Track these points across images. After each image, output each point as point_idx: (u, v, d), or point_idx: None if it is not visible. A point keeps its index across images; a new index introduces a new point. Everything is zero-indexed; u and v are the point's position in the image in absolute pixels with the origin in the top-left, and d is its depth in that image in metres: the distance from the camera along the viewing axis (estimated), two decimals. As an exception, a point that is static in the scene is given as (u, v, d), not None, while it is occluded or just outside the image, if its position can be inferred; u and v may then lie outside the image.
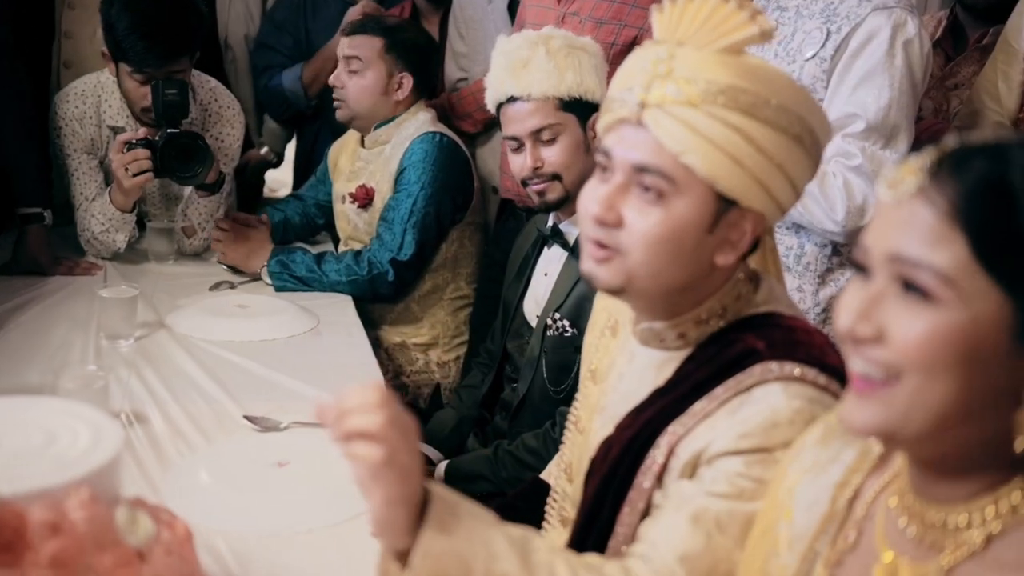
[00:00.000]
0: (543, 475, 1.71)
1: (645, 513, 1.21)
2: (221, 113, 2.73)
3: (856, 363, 0.82)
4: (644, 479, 1.20)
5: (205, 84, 2.74)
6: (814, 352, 1.18)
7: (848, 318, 0.81)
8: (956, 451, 0.82)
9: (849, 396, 0.84)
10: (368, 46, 2.61)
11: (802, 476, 1.01)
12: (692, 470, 1.17)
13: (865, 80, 1.91)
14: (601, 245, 1.18)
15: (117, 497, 1.07)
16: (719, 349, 1.21)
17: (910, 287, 0.78)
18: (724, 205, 1.16)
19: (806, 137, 1.16)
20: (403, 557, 1.02)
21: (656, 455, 1.19)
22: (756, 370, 1.16)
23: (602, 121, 1.22)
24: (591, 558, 1.15)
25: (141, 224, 2.71)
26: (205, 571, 1.19)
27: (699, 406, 1.18)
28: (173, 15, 2.41)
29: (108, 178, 2.67)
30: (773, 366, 1.16)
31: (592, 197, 1.20)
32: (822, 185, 1.92)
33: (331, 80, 2.66)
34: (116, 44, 2.41)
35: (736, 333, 1.22)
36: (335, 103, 2.68)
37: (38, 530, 0.95)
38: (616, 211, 1.16)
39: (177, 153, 2.44)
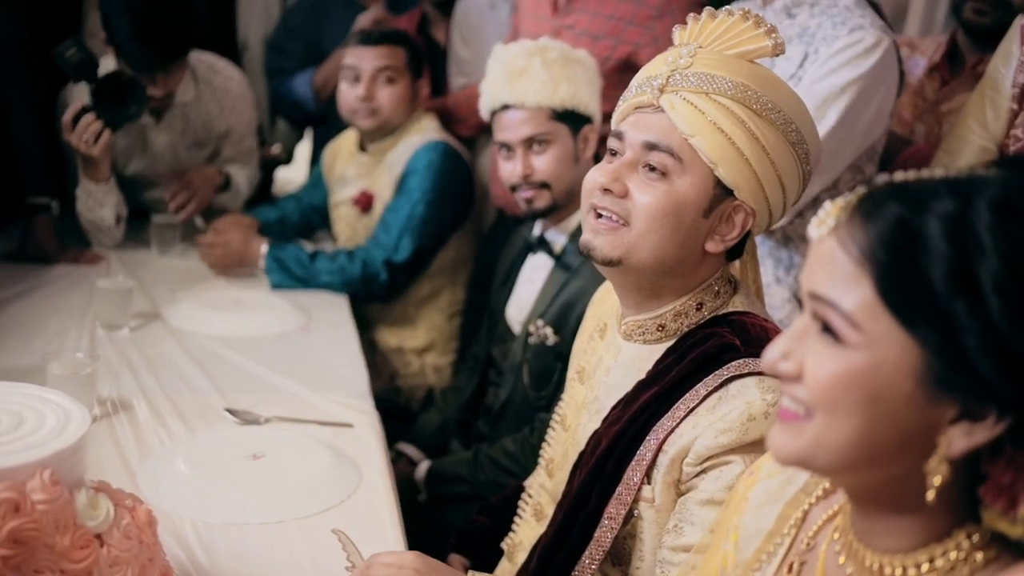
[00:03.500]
0: (527, 482, 1.74)
1: (631, 507, 1.28)
2: (230, 89, 2.80)
3: (782, 397, 0.84)
4: (633, 474, 1.28)
5: (204, 63, 2.78)
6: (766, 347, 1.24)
7: (773, 354, 0.82)
8: (877, 494, 0.82)
9: (774, 424, 0.85)
10: (398, 56, 2.64)
11: (756, 507, 1.02)
12: (679, 466, 1.25)
13: (813, 82, 1.89)
14: (603, 216, 1.30)
15: (80, 481, 1.11)
16: (697, 343, 1.29)
17: (826, 326, 0.78)
18: (721, 192, 1.27)
19: (800, 147, 1.28)
20: None
21: (645, 451, 1.27)
22: (733, 365, 1.24)
23: (619, 111, 1.33)
24: None
25: (147, 215, 2.76)
26: (167, 556, 1.22)
27: (682, 403, 1.25)
28: (172, 22, 2.45)
29: (115, 167, 2.73)
30: (748, 361, 1.23)
31: (599, 172, 1.32)
32: None
33: (359, 92, 2.61)
34: (117, 47, 2.46)
35: (712, 328, 1.30)
36: (362, 114, 2.64)
37: (-1, 508, 0.99)
38: (622, 182, 1.29)
39: (111, 99, 2.40)
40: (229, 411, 1.80)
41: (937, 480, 0.75)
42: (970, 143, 2.03)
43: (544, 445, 1.57)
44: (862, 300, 0.75)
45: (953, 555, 0.79)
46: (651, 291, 1.33)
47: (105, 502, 1.10)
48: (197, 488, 1.52)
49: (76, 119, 2.39)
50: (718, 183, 1.26)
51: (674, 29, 1.32)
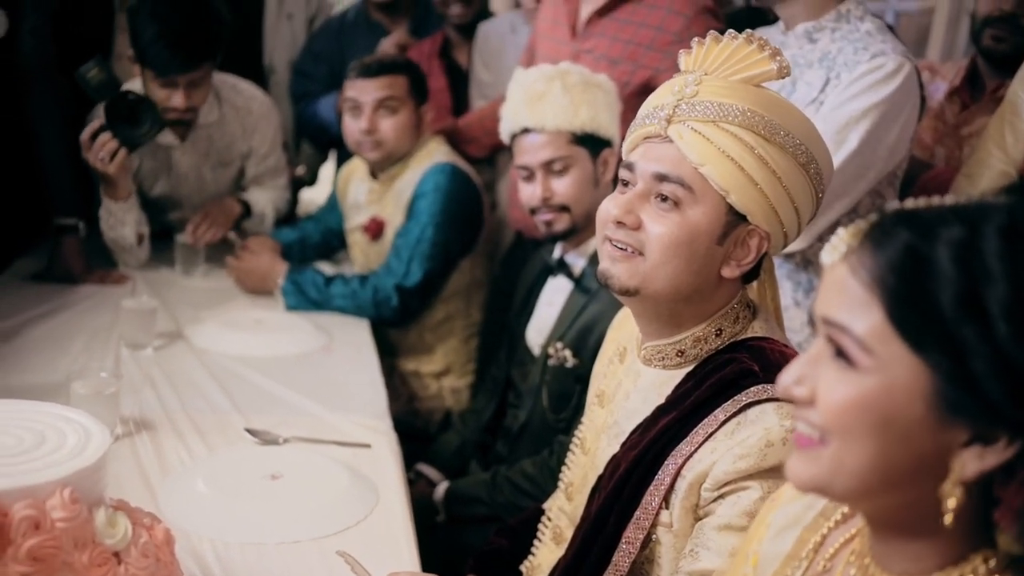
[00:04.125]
0: (546, 504, 1.74)
1: (648, 532, 1.28)
2: (252, 110, 2.85)
3: (797, 422, 0.85)
4: (652, 499, 1.28)
5: (227, 84, 2.82)
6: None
7: (787, 379, 0.83)
8: (894, 518, 0.82)
9: (792, 451, 0.86)
10: (399, 85, 2.64)
11: (776, 532, 1.03)
12: (697, 491, 1.25)
13: (836, 108, 1.88)
14: (619, 246, 1.31)
15: (99, 499, 1.12)
16: (715, 368, 1.29)
17: (840, 352, 0.79)
18: (734, 219, 1.28)
19: (811, 167, 1.28)
20: None
21: (664, 476, 1.27)
22: (752, 390, 1.25)
23: (629, 141, 1.34)
24: None
25: (172, 237, 2.80)
26: (184, 575, 1.24)
27: (700, 428, 1.26)
28: (197, 24, 2.49)
29: (140, 189, 2.78)
30: (767, 387, 1.23)
31: (612, 203, 1.33)
32: None
33: (362, 126, 2.62)
34: (141, 52, 2.50)
35: (732, 353, 1.31)
36: (367, 147, 2.65)
37: (19, 526, 1.01)
38: (635, 215, 1.30)
39: (123, 118, 2.45)
40: (249, 431, 1.82)
41: (952, 503, 0.76)
42: (990, 167, 2.03)
43: (564, 468, 1.58)
44: (872, 325, 0.76)
45: None
46: (669, 318, 1.33)
47: (123, 520, 1.12)
48: (216, 507, 1.53)
49: (93, 137, 2.45)
50: (731, 209, 1.27)
51: (679, 55, 1.33)
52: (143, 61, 2.52)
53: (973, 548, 0.79)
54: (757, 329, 1.34)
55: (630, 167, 1.31)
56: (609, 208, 1.33)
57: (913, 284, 0.75)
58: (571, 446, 1.57)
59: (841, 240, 0.81)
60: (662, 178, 1.27)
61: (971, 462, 0.75)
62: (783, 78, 1.27)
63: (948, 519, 0.76)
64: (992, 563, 0.78)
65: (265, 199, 2.92)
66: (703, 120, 1.24)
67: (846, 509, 0.96)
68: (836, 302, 0.80)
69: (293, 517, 1.53)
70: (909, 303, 0.75)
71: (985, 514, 0.78)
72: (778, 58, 1.25)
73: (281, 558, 1.44)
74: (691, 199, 1.26)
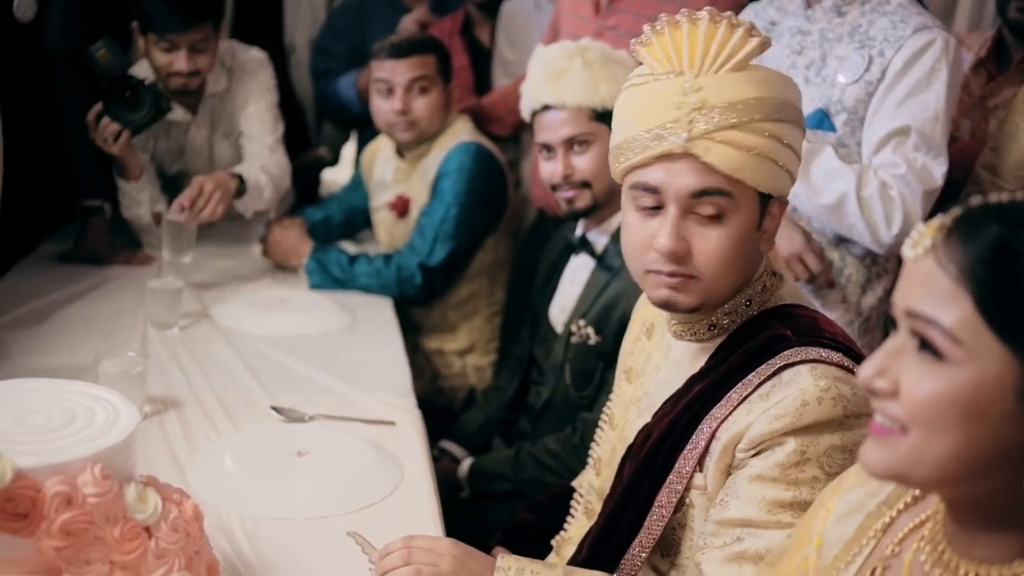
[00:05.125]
0: (575, 483, 1.75)
1: (682, 496, 1.29)
2: (247, 68, 2.79)
3: (875, 412, 0.85)
4: (685, 463, 1.29)
5: (230, 51, 2.80)
6: (837, 338, 1.28)
7: (868, 371, 0.84)
8: (975, 506, 0.83)
9: (867, 439, 0.86)
10: (430, 64, 2.63)
11: (838, 518, 1.03)
12: (731, 453, 1.26)
13: (911, 96, 1.92)
14: (674, 274, 1.27)
15: (130, 475, 1.14)
16: (749, 336, 1.30)
17: (924, 344, 0.79)
18: (765, 202, 1.28)
19: (800, 118, 1.29)
20: None
21: (698, 439, 1.28)
22: (786, 353, 1.25)
23: (628, 162, 1.27)
24: None
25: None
26: (213, 550, 1.25)
27: (735, 391, 1.26)
28: None
29: (160, 170, 2.79)
30: (800, 350, 1.25)
31: (652, 234, 1.27)
32: (882, 198, 1.94)
33: (395, 107, 2.61)
34: (141, 11, 2.51)
35: (763, 321, 1.31)
36: (400, 127, 2.65)
37: (52, 502, 1.03)
38: (685, 240, 1.26)
39: (120, 101, 2.45)
40: (275, 409, 1.84)
41: None
42: (1017, 140, 2.00)
43: (593, 445, 1.59)
44: (962, 316, 0.77)
45: None
46: (716, 306, 1.34)
47: (154, 496, 1.13)
48: (243, 484, 1.55)
49: (99, 119, 2.46)
50: (761, 196, 1.27)
51: (638, 52, 1.27)
52: (144, 25, 2.53)
53: None
54: (785, 296, 1.34)
55: (653, 190, 1.25)
56: (647, 238, 1.27)
57: (1004, 276, 0.75)
58: (600, 422, 1.58)
59: (924, 235, 0.82)
60: (700, 194, 1.23)
61: None
62: (765, 51, 1.25)
63: None
64: None
65: (256, 165, 2.72)
66: (724, 127, 1.21)
67: (911, 497, 0.97)
68: (922, 295, 0.80)
69: (319, 493, 1.55)
70: (1000, 294, 0.75)
71: None
72: (754, 32, 1.23)
73: (308, 534, 1.46)
74: (732, 205, 1.24)
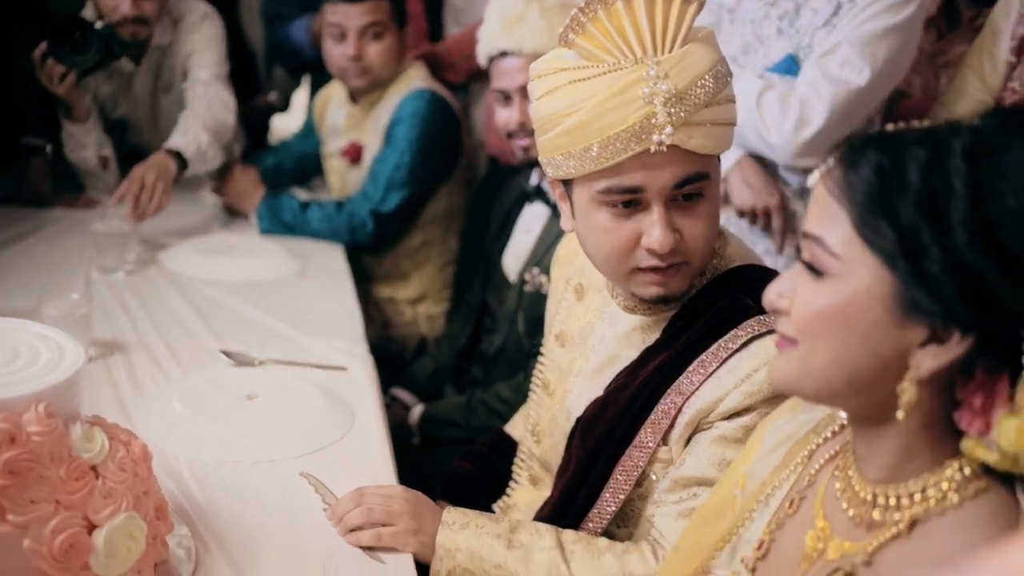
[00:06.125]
0: (507, 428, 1.75)
1: (645, 469, 1.28)
2: (187, 20, 2.71)
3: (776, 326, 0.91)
4: (648, 437, 1.27)
5: (176, 3, 2.72)
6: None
7: (771, 293, 0.90)
8: (870, 418, 0.85)
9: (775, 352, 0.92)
10: (383, 10, 2.58)
11: (768, 448, 1.05)
12: (696, 424, 1.25)
13: (862, 24, 1.91)
14: (664, 267, 1.24)
15: (75, 415, 1.12)
16: (706, 306, 1.28)
17: (812, 264, 0.84)
18: (718, 161, 1.26)
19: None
20: None
21: (661, 414, 1.26)
22: (749, 324, 1.24)
23: (600, 166, 1.19)
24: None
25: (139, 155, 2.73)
26: (162, 491, 1.24)
27: (697, 364, 1.24)
28: None
29: (102, 113, 2.71)
30: (764, 319, 1.23)
31: (632, 235, 1.22)
32: (780, 100, 1.94)
33: (348, 52, 2.56)
34: None
35: (719, 288, 1.29)
36: (353, 73, 2.60)
37: (-6, 439, 1.01)
38: (678, 232, 1.22)
39: (66, 42, 2.38)
40: (224, 352, 1.81)
41: (907, 399, 0.80)
42: (967, 95, 2.03)
43: (528, 407, 1.58)
44: (842, 234, 0.82)
45: (944, 485, 0.81)
46: None
47: (100, 435, 1.11)
48: (192, 427, 1.53)
49: (46, 58, 2.39)
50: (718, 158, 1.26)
51: (570, 41, 1.20)
52: None
53: (949, 455, 0.82)
54: (734, 257, 1.32)
55: (634, 190, 1.19)
56: (628, 241, 1.22)
57: (878, 194, 0.80)
58: (532, 387, 1.56)
59: (824, 164, 0.86)
60: (683, 183, 1.20)
61: (927, 359, 0.79)
62: (702, 9, 1.21)
63: (901, 415, 0.80)
64: (967, 470, 0.81)
65: (196, 125, 2.56)
66: (699, 107, 1.17)
67: (837, 425, 0.99)
68: (816, 218, 0.85)
69: (269, 437, 1.54)
70: (873, 211, 0.80)
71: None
72: None
73: (258, 476, 1.45)
74: (709, 182, 1.23)
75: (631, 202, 1.21)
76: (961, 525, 0.80)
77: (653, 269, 1.23)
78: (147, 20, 2.56)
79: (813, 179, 0.86)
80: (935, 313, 0.77)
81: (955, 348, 0.77)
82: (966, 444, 0.79)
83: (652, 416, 1.27)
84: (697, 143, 1.17)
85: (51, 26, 2.37)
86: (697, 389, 1.24)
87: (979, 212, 0.75)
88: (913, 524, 0.82)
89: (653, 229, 1.19)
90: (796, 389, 0.89)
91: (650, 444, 1.27)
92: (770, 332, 1.21)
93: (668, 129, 1.15)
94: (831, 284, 0.82)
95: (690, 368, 1.25)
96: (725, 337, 1.24)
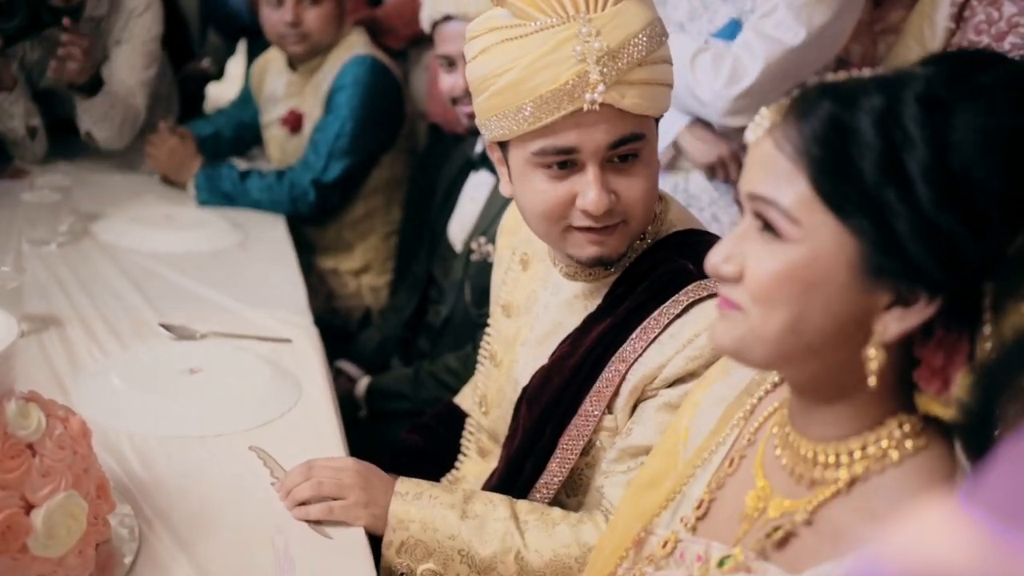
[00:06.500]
0: (457, 399, 1.74)
1: (591, 438, 1.27)
2: (128, 6, 2.62)
3: (721, 295, 0.86)
4: (593, 406, 1.26)
5: None
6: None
7: (716, 257, 0.84)
8: (816, 383, 0.84)
9: (716, 315, 0.87)
10: None
11: (704, 409, 1.05)
12: (641, 391, 1.24)
13: None
14: (602, 228, 1.22)
15: (10, 391, 1.07)
16: (647, 271, 1.27)
17: (766, 225, 0.80)
18: (655, 123, 1.24)
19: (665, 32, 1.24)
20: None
21: (605, 382, 1.25)
22: (690, 289, 1.23)
23: (532, 126, 1.18)
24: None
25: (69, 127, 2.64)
26: (103, 469, 1.20)
27: (640, 331, 1.23)
28: None
29: (30, 80, 2.61)
30: (704, 283, 1.22)
31: (566, 195, 1.21)
32: (713, 58, 1.94)
33: (286, 18, 2.49)
34: None
35: (660, 253, 1.28)
36: (291, 40, 2.54)
37: (-77, 418, 0.96)
38: (613, 193, 1.20)
39: None
40: (164, 326, 1.76)
41: (874, 366, 0.78)
42: (907, 61, 2.04)
43: (475, 379, 1.57)
44: (799, 195, 0.78)
45: (885, 443, 0.81)
46: None
47: (37, 412, 1.07)
48: (133, 403, 1.49)
49: None
50: (655, 120, 1.24)
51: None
52: None
53: (890, 412, 0.82)
54: (675, 222, 1.32)
55: (568, 151, 1.18)
56: (562, 202, 1.21)
57: (836, 153, 0.76)
58: (480, 358, 1.54)
59: (764, 117, 0.82)
60: (618, 144, 1.19)
61: (893, 323, 0.77)
62: None
63: (872, 380, 0.79)
64: (907, 427, 0.81)
65: (99, 111, 2.53)
66: (632, 66, 1.16)
67: (770, 383, 0.98)
68: (762, 177, 0.81)
69: (214, 411, 1.50)
70: (833, 172, 0.76)
71: (901, 378, 0.80)
72: None
73: (204, 451, 1.41)
74: (645, 143, 1.21)
75: (566, 163, 1.20)
76: (901, 481, 0.80)
77: (589, 229, 1.22)
78: (84, 4, 2.46)
79: (753, 133, 0.82)
80: (903, 276, 0.76)
81: (922, 311, 0.76)
82: (923, 401, 0.79)
83: (597, 384, 1.26)
84: (630, 102, 1.16)
85: None
86: (640, 356, 1.24)
87: (942, 165, 0.73)
88: (853, 482, 0.82)
89: (588, 190, 1.19)
90: (744, 355, 0.85)
91: (595, 413, 1.27)
92: (711, 296, 1.21)
93: (600, 87, 1.14)
94: (788, 247, 0.78)
95: (633, 335, 1.24)
96: (667, 303, 1.23)
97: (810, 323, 0.79)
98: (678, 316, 1.23)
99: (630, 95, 1.16)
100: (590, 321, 1.30)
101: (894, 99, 0.75)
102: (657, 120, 1.25)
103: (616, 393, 1.26)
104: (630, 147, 1.20)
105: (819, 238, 0.77)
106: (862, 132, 0.75)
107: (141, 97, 2.63)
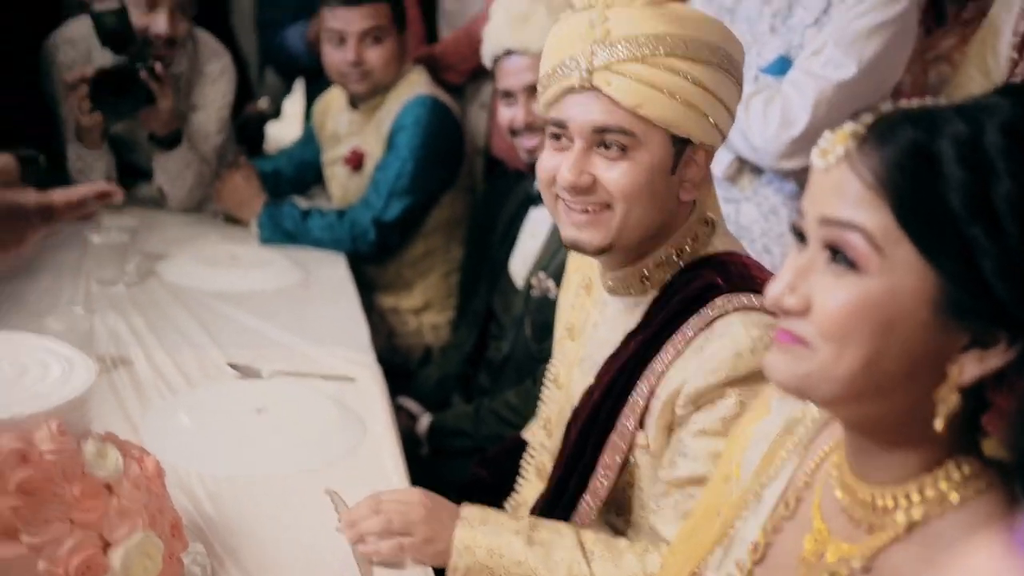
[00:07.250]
0: (524, 434, 1.73)
1: (627, 455, 1.28)
2: (204, 71, 2.69)
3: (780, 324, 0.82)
4: (627, 421, 1.27)
5: (200, 40, 2.70)
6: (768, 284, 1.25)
7: (777, 289, 0.81)
8: (877, 425, 0.81)
9: (772, 347, 0.83)
10: (383, 14, 2.54)
11: (754, 443, 1.02)
12: (671, 409, 1.24)
13: (849, 22, 1.90)
14: (581, 209, 1.26)
15: (87, 431, 1.09)
16: (681, 288, 1.29)
17: (837, 255, 0.77)
18: (680, 146, 1.26)
19: (729, 65, 1.26)
20: None
21: (638, 397, 1.27)
22: (717, 303, 1.24)
23: (544, 97, 1.28)
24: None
25: (136, 172, 2.70)
26: (175, 508, 1.21)
27: (670, 345, 1.25)
28: None
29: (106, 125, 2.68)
30: (731, 297, 1.23)
31: (558, 166, 1.27)
32: (765, 101, 1.93)
33: (348, 57, 2.53)
34: None
35: (695, 271, 1.30)
36: (353, 78, 2.57)
37: (6, 459, 0.97)
38: (587, 173, 1.25)
39: (111, 87, 2.39)
40: (231, 365, 1.78)
41: (946, 408, 0.75)
42: (970, 92, 2.01)
43: (540, 404, 1.57)
44: (881, 224, 0.74)
45: (943, 486, 0.78)
46: (637, 254, 1.32)
47: (113, 452, 1.08)
48: (202, 441, 1.50)
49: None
50: (674, 138, 1.25)
51: None
52: None
53: (947, 455, 0.79)
54: (718, 245, 1.33)
55: (560, 124, 1.27)
56: (553, 169, 1.28)
57: (921, 184, 0.73)
58: (546, 381, 1.55)
59: (835, 142, 0.79)
60: (602, 130, 1.24)
61: (970, 366, 0.74)
62: None
63: (939, 424, 0.75)
64: (965, 470, 0.78)
65: (175, 168, 2.62)
66: (627, 60, 1.20)
67: (810, 420, 0.96)
68: (838, 202, 0.77)
69: (280, 450, 1.51)
70: (918, 203, 0.73)
71: (963, 422, 0.77)
72: None
73: (271, 491, 1.42)
74: (635, 143, 1.24)
75: (560, 136, 1.28)
76: (962, 526, 0.77)
77: (571, 207, 1.28)
78: (177, 42, 2.53)
79: (823, 159, 0.78)
80: (986, 316, 0.73)
81: (1003, 354, 0.73)
82: (988, 445, 0.76)
83: (630, 400, 1.28)
84: (616, 90, 1.21)
85: (99, 73, 2.35)
86: (666, 370, 1.25)
87: None
88: (912, 526, 0.79)
89: (564, 162, 1.25)
90: (808, 393, 0.81)
91: (629, 429, 1.28)
92: (737, 310, 1.22)
93: (584, 64, 1.21)
94: (863, 280, 0.75)
95: (662, 350, 1.26)
96: (693, 317, 1.24)
97: (885, 363, 0.76)
98: (702, 330, 1.23)
99: (616, 83, 1.21)
100: (628, 338, 1.31)
101: (977, 127, 0.72)
102: (684, 141, 1.25)
103: (647, 409, 1.26)
104: (615, 137, 1.24)
105: (900, 272, 0.74)
106: (947, 163, 0.72)
107: (212, 162, 2.70)
